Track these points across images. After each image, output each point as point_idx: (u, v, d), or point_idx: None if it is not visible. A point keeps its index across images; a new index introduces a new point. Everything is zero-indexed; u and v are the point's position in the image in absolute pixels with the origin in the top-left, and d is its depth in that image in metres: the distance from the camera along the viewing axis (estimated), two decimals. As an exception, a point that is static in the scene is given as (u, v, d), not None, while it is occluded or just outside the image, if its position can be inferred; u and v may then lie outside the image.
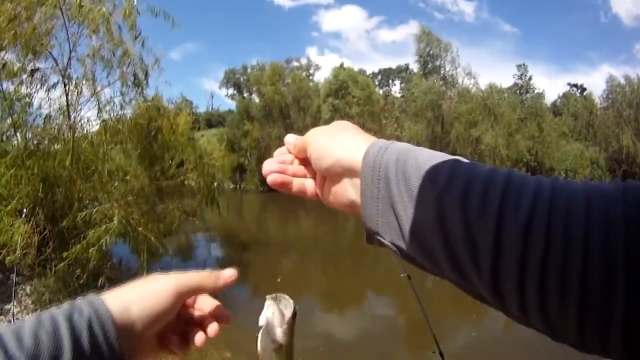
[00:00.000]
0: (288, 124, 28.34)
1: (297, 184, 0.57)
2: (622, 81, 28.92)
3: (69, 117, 6.40)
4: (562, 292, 0.35)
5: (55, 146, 6.44)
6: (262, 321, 0.58)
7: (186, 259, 10.88)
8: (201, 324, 0.57)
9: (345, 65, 29.73)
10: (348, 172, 0.50)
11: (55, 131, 6.42)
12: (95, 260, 5.88)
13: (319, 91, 29.11)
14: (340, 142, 0.51)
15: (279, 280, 0.67)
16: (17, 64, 6.16)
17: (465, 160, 0.45)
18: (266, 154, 27.87)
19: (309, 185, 0.57)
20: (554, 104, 37.36)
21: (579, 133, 29.74)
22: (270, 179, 0.56)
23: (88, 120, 6.94)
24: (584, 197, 0.37)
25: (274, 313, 0.60)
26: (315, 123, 26.93)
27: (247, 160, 28.19)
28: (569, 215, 0.36)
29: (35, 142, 6.21)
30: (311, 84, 29.62)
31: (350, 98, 27.06)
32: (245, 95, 31.21)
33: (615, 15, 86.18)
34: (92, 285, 5.90)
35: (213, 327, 0.57)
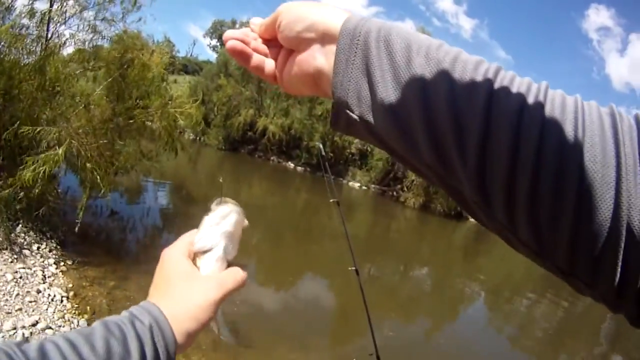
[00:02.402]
0: (262, 87, 27.94)
1: (257, 58, 0.52)
2: None
3: (47, 31, 6.03)
4: (557, 186, 0.32)
5: (26, 59, 6.06)
6: (224, 230, 0.60)
7: (132, 201, 10.67)
8: None
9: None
10: (322, 37, 0.45)
11: (30, 43, 6.03)
12: (38, 188, 5.65)
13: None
14: (318, 8, 0.47)
15: (221, 180, 0.69)
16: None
17: None
18: (234, 112, 27.68)
19: (268, 63, 0.52)
20: None
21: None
22: (230, 44, 0.51)
23: (63, 38, 6.58)
24: (574, 99, 0.36)
25: (237, 221, 0.61)
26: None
27: (213, 115, 27.68)
28: (562, 108, 0.34)
29: (5, 50, 5.81)
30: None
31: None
32: (227, 49, 30.46)
33: (607, 76, 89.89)
34: (32, 213, 5.70)
35: None
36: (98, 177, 6.18)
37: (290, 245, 10.99)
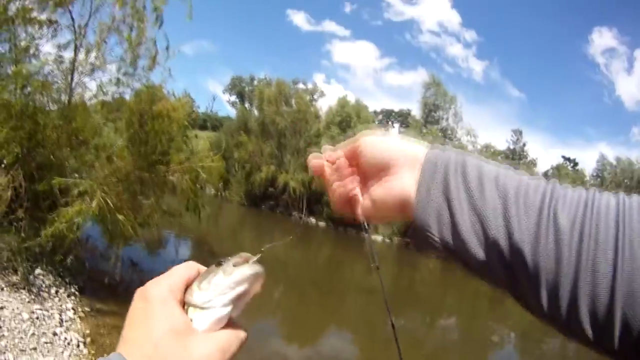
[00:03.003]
0: (282, 143, 28.47)
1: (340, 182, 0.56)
2: (613, 162, 29.94)
3: (72, 80, 6.31)
4: (610, 297, 0.37)
5: (51, 106, 6.32)
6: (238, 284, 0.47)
7: (154, 253, 10.68)
8: None
9: (349, 98, 30.08)
10: (410, 162, 0.49)
11: (54, 91, 6.29)
12: (69, 240, 5.71)
13: (319, 117, 29.40)
14: (400, 140, 0.52)
15: (262, 250, 0.56)
16: (35, 12, 6.12)
17: (512, 170, 0.47)
18: (255, 168, 28.13)
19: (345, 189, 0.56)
20: (545, 174, 38.18)
21: (566, 206, 30.47)
22: (314, 163, 0.58)
23: (88, 89, 6.90)
24: None
25: (256, 275, 0.48)
26: (310, 147, 27.32)
27: (234, 170, 28.14)
28: (606, 229, 0.39)
29: (31, 97, 6.06)
30: (312, 108, 29.97)
31: (351, 133, 27.23)
32: (246, 105, 31.45)
33: (618, 98, 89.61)
34: (53, 257, 5.73)
35: None
36: (130, 227, 6.26)
37: (314, 301, 10.78)
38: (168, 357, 0.41)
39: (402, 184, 0.49)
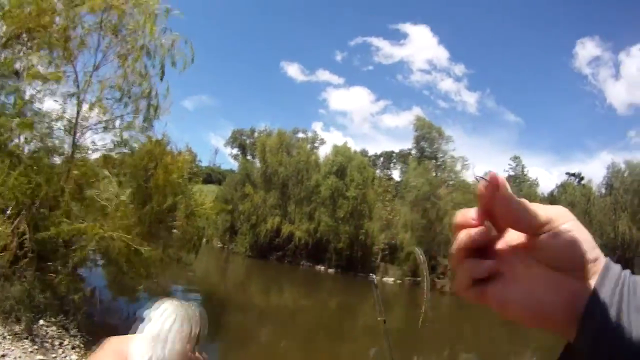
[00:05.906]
0: (285, 193, 28.59)
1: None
2: (623, 166, 29.94)
3: (75, 134, 6.46)
4: None
5: (54, 158, 6.45)
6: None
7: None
8: None
9: (349, 145, 30.61)
10: (593, 266, 0.39)
11: (57, 143, 6.44)
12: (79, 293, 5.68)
13: (319, 167, 29.70)
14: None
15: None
16: (40, 66, 6.35)
17: None
18: (260, 220, 28.10)
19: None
20: (551, 193, 37.92)
21: (576, 221, 30.22)
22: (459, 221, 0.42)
23: (93, 143, 7.07)
24: None
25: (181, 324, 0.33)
26: (310, 196, 27.46)
27: (239, 223, 28.12)
28: None
29: (34, 149, 6.19)
30: (313, 157, 30.36)
31: (348, 180, 27.53)
32: (248, 157, 31.81)
33: (610, 106, 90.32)
34: (57, 309, 5.67)
35: None
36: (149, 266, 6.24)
37: (323, 347, 10.53)
38: None
39: (570, 285, 0.39)
